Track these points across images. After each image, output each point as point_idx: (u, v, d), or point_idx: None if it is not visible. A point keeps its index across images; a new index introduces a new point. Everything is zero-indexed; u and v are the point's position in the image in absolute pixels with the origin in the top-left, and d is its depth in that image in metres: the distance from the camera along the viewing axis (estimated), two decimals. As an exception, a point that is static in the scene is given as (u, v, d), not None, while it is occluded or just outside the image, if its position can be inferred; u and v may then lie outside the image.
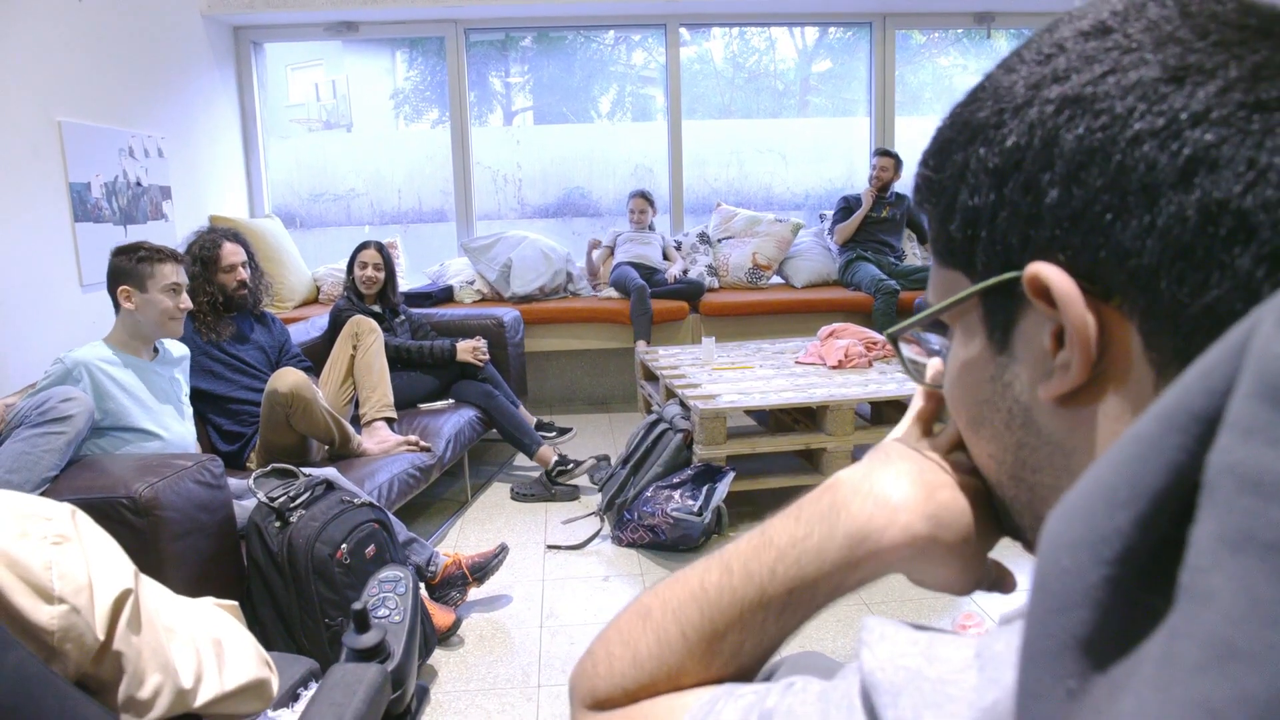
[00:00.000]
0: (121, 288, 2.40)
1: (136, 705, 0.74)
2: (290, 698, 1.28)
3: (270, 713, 1.15)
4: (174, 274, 2.45)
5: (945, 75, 6.06)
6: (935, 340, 0.57)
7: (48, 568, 0.66)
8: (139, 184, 3.88)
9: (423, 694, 1.08)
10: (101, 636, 0.70)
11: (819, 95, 6.16)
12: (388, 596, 1.14)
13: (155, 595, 0.82)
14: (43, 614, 0.65)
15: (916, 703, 0.38)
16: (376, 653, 1.04)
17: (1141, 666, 0.25)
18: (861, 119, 5.78)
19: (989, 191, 0.43)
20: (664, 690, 0.58)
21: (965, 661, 0.38)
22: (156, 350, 2.55)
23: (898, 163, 5.10)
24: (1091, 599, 0.27)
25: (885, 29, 5.45)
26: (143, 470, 2.01)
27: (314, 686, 1.29)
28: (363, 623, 1.05)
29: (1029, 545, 0.50)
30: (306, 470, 2.31)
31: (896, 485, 0.53)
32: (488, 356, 3.78)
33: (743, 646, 0.57)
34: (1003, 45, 5.91)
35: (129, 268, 2.40)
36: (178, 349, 2.66)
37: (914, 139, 5.59)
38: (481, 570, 2.63)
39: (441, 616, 2.47)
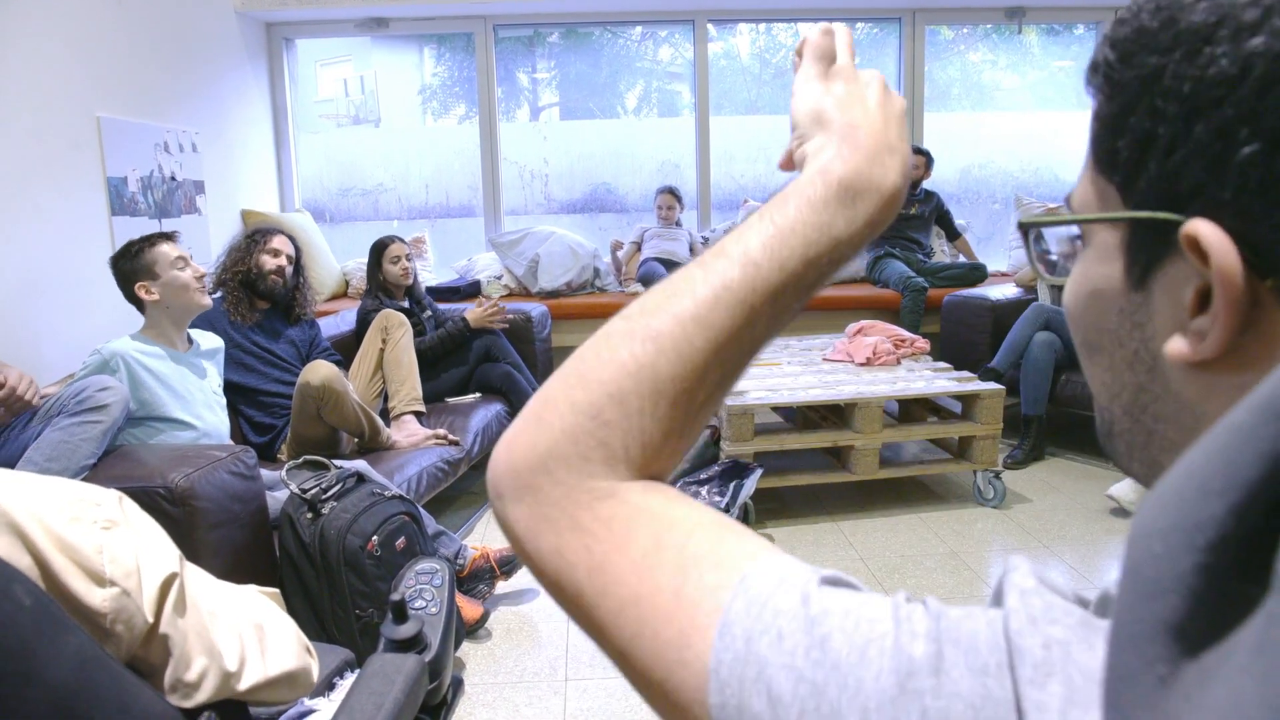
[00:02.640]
0: (139, 285, 2.44)
1: (184, 687, 0.76)
2: (326, 687, 1.29)
3: (307, 701, 1.16)
4: (173, 250, 2.49)
5: (975, 71, 6.00)
6: (1055, 242, 0.52)
7: (99, 552, 0.68)
8: (173, 178, 3.93)
9: (458, 685, 1.09)
10: (150, 619, 0.71)
11: (847, 91, 6.12)
12: (424, 588, 1.15)
13: (199, 580, 0.84)
14: (95, 597, 0.67)
15: (1065, 695, 0.32)
16: (414, 644, 1.05)
17: (1235, 655, 0.25)
18: (890, 115, 5.73)
19: (1176, 120, 0.37)
20: (664, 422, 0.48)
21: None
22: (190, 341, 2.58)
23: (928, 160, 5.05)
24: (1184, 585, 0.27)
25: (915, 24, 5.41)
26: (178, 460, 2.04)
27: (349, 676, 1.31)
28: (401, 614, 1.06)
29: (1138, 479, 0.47)
30: (338, 462, 2.33)
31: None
32: (506, 316, 3.81)
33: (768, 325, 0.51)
34: (1033, 40, 5.86)
35: (134, 265, 2.45)
36: (210, 341, 2.69)
37: (943, 135, 5.55)
38: (509, 564, 2.64)
39: (469, 609, 2.49)
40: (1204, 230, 0.35)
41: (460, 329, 3.69)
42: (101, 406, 2.13)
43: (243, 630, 0.84)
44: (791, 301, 0.51)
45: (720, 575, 0.40)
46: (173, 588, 0.75)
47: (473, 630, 2.50)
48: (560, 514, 0.46)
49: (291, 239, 3.21)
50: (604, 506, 0.46)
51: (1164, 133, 0.37)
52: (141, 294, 2.44)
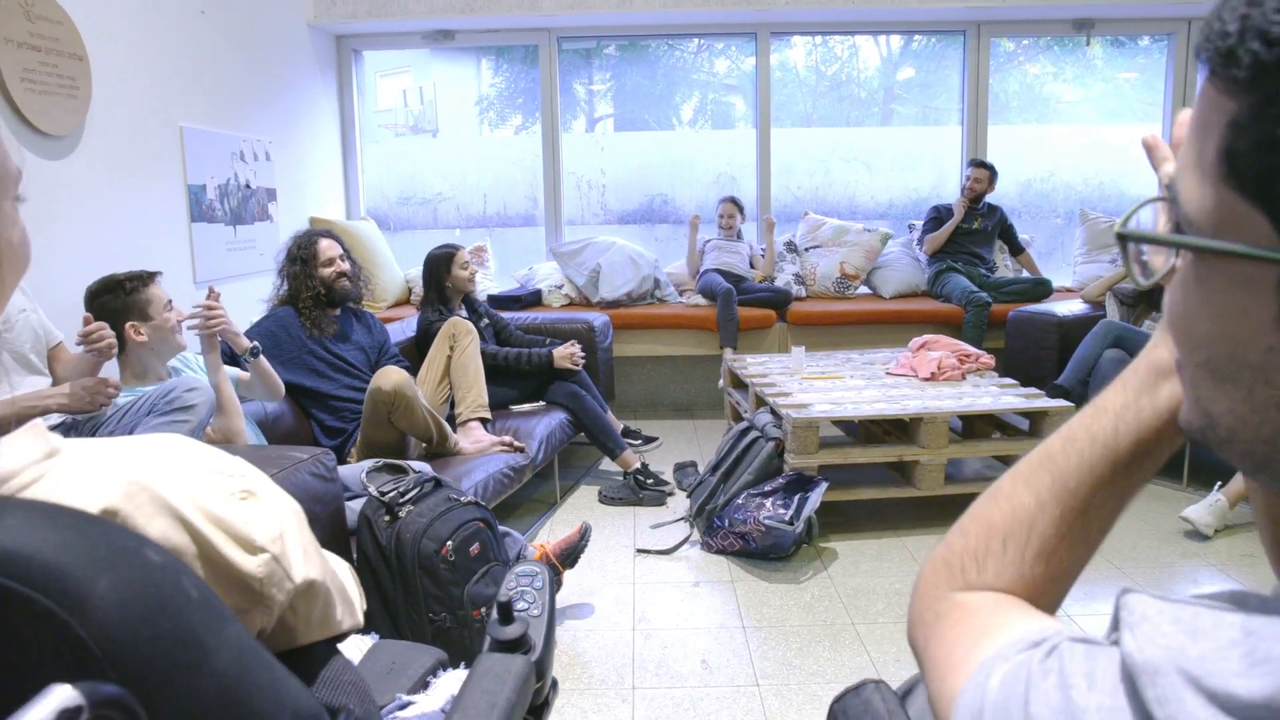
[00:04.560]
0: (129, 324, 2.36)
1: (350, 609, 0.84)
2: (421, 685, 1.32)
3: (403, 696, 1.19)
4: (163, 293, 2.43)
5: (1037, 83, 5.92)
6: (1149, 251, 0.50)
7: (245, 522, 0.70)
8: (248, 186, 4.03)
9: (554, 686, 1.11)
10: (298, 580, 0.74)
11: (903, 104, 6.08)
12: (525, 590, 1.17)
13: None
14: (251, 564, 0.69)
15: (1175, 681, 0.37)
16: (520, 644, 1.07)
17: None
18: (949, 128, 5.69)
19: None
20: (1014, 566, 0.63)
21: (1230, 640, 0.37)
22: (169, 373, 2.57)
23: (992, 174, 5.00)
24: None
25: (980, 37, 5.37)
26: (261, 461, 2.07)
27: (442, 675, 1.33)
28: (507, 615, 1.08)
29: (1261, 484, 0.50)
30: (415, 465, 2.37)
31: None
32: (584, 361, 3.80)
33: (1090, 503, 0.62)
34: (1097, 52, 5.77)
35: (125, 303, 2.36)
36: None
37: (1004, 148, 5.49)
38: (570, 555, 2.64)
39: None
40: None
41: (544, 363, 3.70)
42: (189, 407, 2.19)
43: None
44: (1110, 471, 0.62)
45: (980, 653, 0.55)
46: (311, 545, 0.79)
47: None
48: (925, 610, 0.66)
49: (332, 236, 3.25)
50: (940, 605, 0.65)
51: None
52: (130, 334, 2.36)
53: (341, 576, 0.87)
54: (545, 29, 5.27)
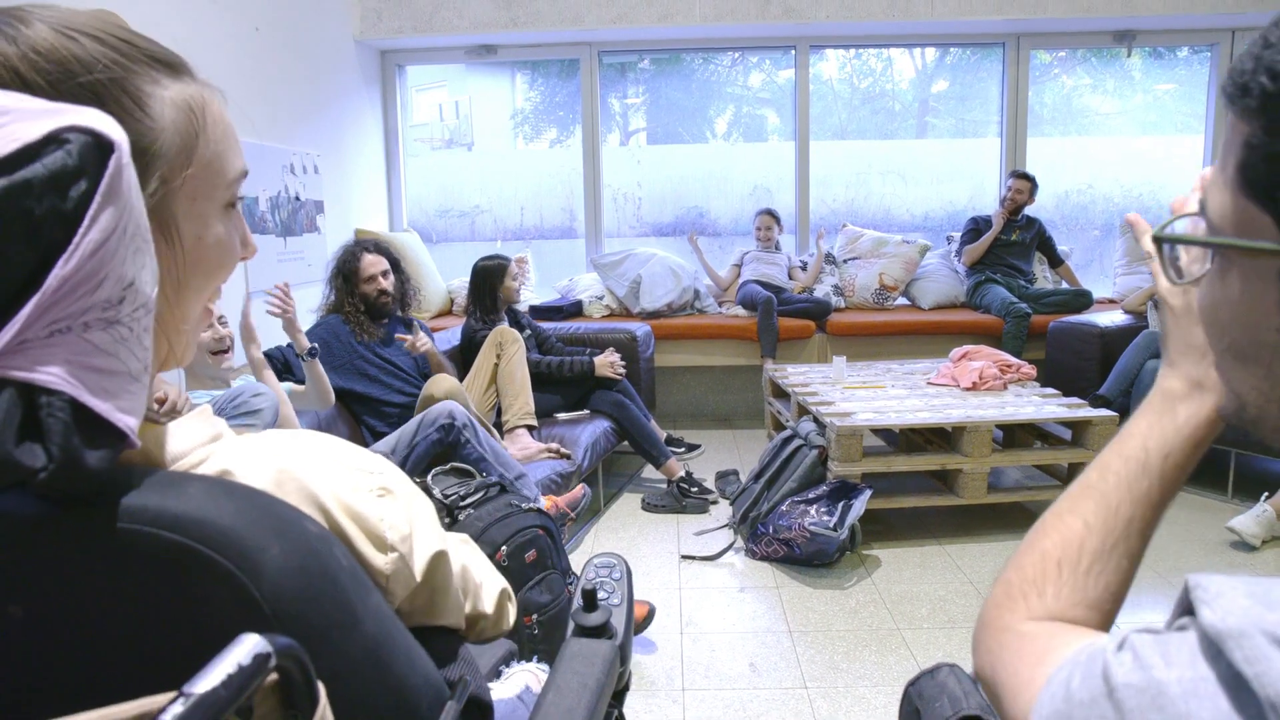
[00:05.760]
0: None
1: (482, 620, 0.94)
2: (494, 674, 1.37)
3: (480, 685, 1.24)
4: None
5: (1075, 94, 5.90)
6: (1179, 253, 0.62)
7: (380, 520, 0.74)
8: (298, 198, 4.13)
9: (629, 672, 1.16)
10: (419, 579, 0.79)
11: (938, 116, 6.09)
12: (604, 581, 1.22)
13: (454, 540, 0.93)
14: (379, 560, 0.74)
15: (1261, 642, 0.41)
16: (603, 631, 1.11)
17: None
18: (986, 140, 5.69)
19: None
20: (1070, 585, 0.68)
21: None
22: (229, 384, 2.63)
23: (1033, 185, 5.01)
24: None
25: (1020, 49, 5.38)
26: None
27: (515, 665, 1.38)
28: (591, 602, 1.12)
29: None
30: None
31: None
32: (625, 370, 3.85)
33: (1132, 515, 0.69)
34: (1135, 64, 5.76)
35: None
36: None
37: (1040, 161, 5.49)
38: (576, 506, 3.00)
39: (639, 608, 2.57)
40: None
41: (585, 370, 3.74)
42: (255, 411, 2.26)
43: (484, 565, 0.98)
44: (1145, 483, 0.69)
45: (1045, 668, 0.59)
46: (442, 559, 0.82)
47: (640, 628, 2.58)
48: (989, 641, 0.70)
49: (377, 248, 3.31)
50: (1004, 635, 0.69)
51: None
52: None
53: (485, 586, 0.93)
54: (587, 43, 5.34)
